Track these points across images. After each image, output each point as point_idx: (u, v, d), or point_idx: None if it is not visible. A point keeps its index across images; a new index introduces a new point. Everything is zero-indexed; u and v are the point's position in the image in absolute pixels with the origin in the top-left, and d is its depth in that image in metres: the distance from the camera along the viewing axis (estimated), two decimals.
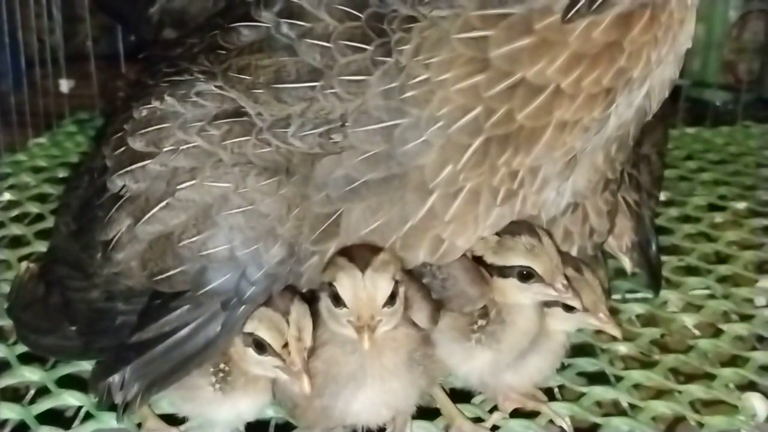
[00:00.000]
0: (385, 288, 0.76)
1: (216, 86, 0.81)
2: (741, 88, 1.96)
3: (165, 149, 0.79)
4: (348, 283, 0.76)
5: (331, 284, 0.77)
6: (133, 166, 0.81)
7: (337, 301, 0.77)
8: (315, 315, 0.80)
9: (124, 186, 0.81)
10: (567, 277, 0.84)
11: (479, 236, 0.84)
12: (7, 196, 1.42)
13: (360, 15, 0.80)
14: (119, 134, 0.84)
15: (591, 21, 0.74)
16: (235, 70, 0.81)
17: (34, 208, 1.37)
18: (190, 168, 0.78)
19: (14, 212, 1.35)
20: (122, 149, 0.83)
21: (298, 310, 0.78)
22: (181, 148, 0.79)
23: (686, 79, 1.87)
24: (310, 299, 0.81)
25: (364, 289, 0.76)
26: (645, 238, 1.06)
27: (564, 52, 0.75)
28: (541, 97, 0.76)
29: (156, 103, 0.82)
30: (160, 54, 0.99)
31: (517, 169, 0.81)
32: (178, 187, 0.78)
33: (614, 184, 0.93)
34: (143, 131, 0.81)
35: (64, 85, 1.87)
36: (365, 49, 0.79)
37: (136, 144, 0.81)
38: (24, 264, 1.03)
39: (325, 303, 0.79)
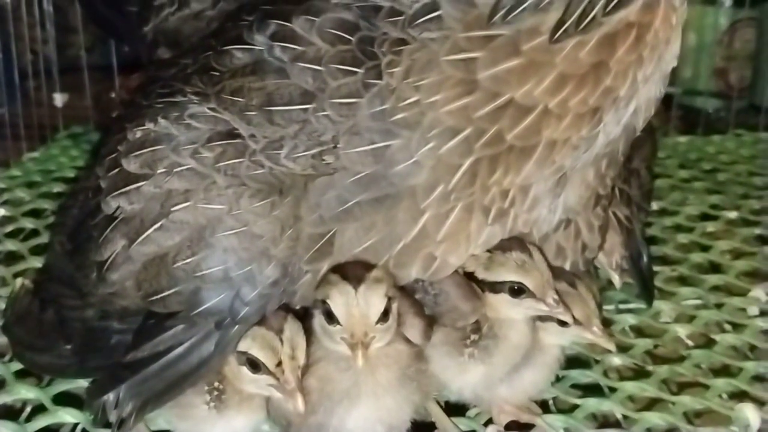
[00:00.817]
0: (378, 305, 0.77)
1: (209, 108, 0.81)
2: (732, 96, 1.97)
3: (159, 171, 0.80)
4: (341, 300, 0.76)
5: (324, 301, 0.77)
6: (128, 188, 0.81)
7: (331, 318, 0.77)
8: (308, 332, 0.80)
9: (118, 207, 0.81)
10: (558, 292, 0.84)
11: (471, 253, 0.84)
12: (1, 211, 1.41)
13: (351, 38, 0.80)
14: (113, 155, 0.84)
15: (578, 41, 0.75)
16: (229, 92, 0.82)
17: (28, 224, 1.36)
18: (184, 190, 0.79)
19: (9, 228, 1.34)
20: (116, 170, 0.83)
21: (292, 329, 0.79)
22: (174, 170, 0.79)
23: (678, 86, 1.87)
24: (303, 316, 0.82)
25: (357, 306, 0.76)
26: (636, 251, 1.06)
27: (551, 73, 0.76)
28: (530, 117, 0.77)
29: (150, 125, 0.83)
30: (153, 74, 0.99)
31: (507, 188, 0.81)
32: (173, 208, 0.78)
33: (605, 200, 0.94)
34: (137, 153, 0.82)
35: (58, 100, 1.85)
36: (356, 72, 0.79)
37: (131, 166, 0.82)
38: (19, 280, 1.03)
39: (318, 320, 0.79)
